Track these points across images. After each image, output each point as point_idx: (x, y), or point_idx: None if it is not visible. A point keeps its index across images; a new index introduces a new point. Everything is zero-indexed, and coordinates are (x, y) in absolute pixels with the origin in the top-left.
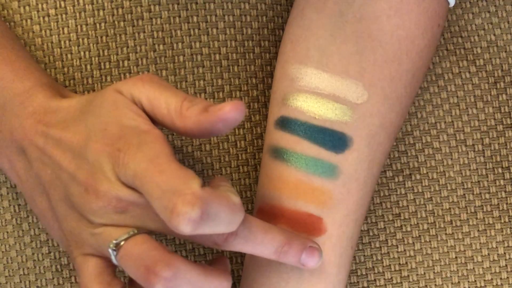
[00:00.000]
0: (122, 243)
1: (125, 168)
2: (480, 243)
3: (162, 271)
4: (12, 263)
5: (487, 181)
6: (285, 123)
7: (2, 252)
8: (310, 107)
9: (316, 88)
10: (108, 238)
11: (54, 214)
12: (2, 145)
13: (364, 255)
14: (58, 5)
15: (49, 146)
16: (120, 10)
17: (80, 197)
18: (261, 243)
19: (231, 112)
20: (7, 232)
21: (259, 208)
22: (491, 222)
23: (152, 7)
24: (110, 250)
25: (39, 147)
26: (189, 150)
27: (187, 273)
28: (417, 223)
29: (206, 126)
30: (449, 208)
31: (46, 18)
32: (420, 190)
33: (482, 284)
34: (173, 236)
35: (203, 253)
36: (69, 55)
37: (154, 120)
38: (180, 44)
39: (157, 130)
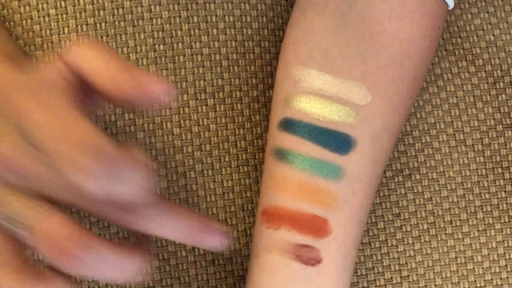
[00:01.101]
0: (32, 222)
1: (23, 119)
2: (480, 243)
3: (77, 251)
4: None
5: (487, 181)
6: (289, 125)
7: None
8: (314, 108)
9: (320, 89)
10: (16, 217)
11: None
12: None
13: (364, 255)
14: (58, 5)
15: None
16: (120, 10)
17: None
18: (166, 224)
19: (153, 85)
20: None
21: (263, 210)
22: (491, 222)
23: (152, 7)
24: (16, 229)
25: None
26: (189, 150)
27: (102, 252)
28: (417, 223)
29: (127, 93)
30: (449, 208)
31: (47, 18)
32: (420, 190)
33: (482, 284)
34: (95, 215)
35: (203, 253)
36: None
37: (88, 85)
38: (180, 44)
39: (72, 90)
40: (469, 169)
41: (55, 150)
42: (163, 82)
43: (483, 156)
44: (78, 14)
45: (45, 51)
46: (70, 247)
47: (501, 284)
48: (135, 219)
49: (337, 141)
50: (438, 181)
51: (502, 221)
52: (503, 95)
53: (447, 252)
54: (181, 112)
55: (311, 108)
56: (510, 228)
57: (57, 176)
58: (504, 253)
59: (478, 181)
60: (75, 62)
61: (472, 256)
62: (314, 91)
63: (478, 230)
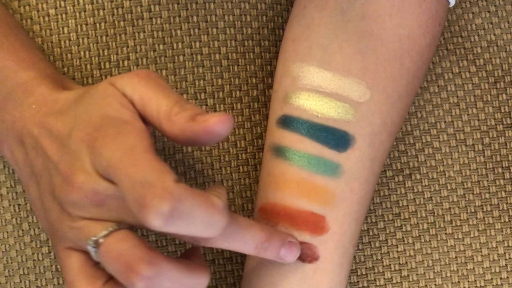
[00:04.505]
0: (101, 240)
1: (100, 157)
2: (480, 242)
3: (143, 270)
4: (12, 263)
5: (487, 180)
6: (287, 122)
7: (2, 252)
8: (312, 105)
9: (319, 86)
10: (87, 234)
11: (42, 205)
12: (4, 135)
13: (364, 255)
14: (58, 5)
15: (41, 136)
16: (120, 9)
17: (60, 188)
18: (241, 240)
19: (216, 125)
20: (7, 232)
21: (261, 207)
22: (491, 222)
23: (152, 6)
24: (89, 247)
25: (33, 136)
26: (189, 150)
27: (169, 271)
28: (417, 223)
29: (190, 135)
30: (449, 208)
31: (46, 18)
32: (420, 190)
33: (482, 284)
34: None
35: (203, 253)
36: (69, 55)
37: (144, 120)
38: (180, 43)
39: (139, 123)
40: (469, 169)
41: (126, 189)
42: (223, 116)
43: (484, 156)
44: (77, 14)
45: (44, 51)
46: (138, 265)
47: (501, 284)
48: (204, 240)
49: (335, 138)
50: (438, 180)
51: (502, 220)
52: (504, 95)
53: (447, 251)
54: None
55: (310, 105)
56: (510, 228)
57: (126, 207)
58: (504, 252)
59: (478, 181)
60: (126, 92)
61: (472, 255)
62: (313, 87)
63: (478, 230)
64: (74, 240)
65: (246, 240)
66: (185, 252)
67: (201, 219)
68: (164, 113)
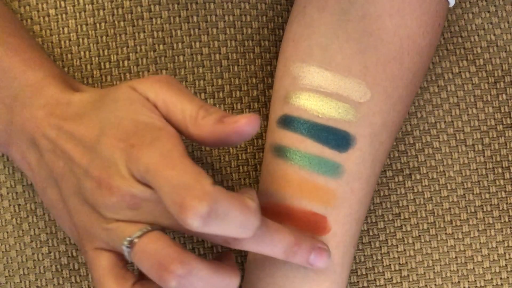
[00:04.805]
0: (135, 240)
1: (137, 163)
2: (480, 242)
3: (176, 269)
4: (12, 263)
5: (487, 180)
6: (288, 122)
7: (2, 252)
8: (313, 105)
9: (319, 86)
10: (122, 235)
11: (66, 207)
12: (13, 137)
13: (364, 255)
14: (58, 5)
15: (61, 140)
16: (120, 10)
17: (93, 192)
18: (271, 243)
19: (246, 125)
20: (7, 232)
21: (262, 207)
22: (491, 222)
23: (152, 7)
24: (123, 247)
25: (51, 139)
26: (189, 150)
27: (200, 271)
28: (417, 223)
29: (220, 136)
30: (449, 208)
31: (46, 18)
32: (420, 190)
33: (482, 284)
34: (184, 236)
35: (203, 253)
36: (69, 55)
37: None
38: (180, 44)
39: (171, 128)
40: (469, 169)
41: (165, 192)
42: (251, 117)
43: (483, 156)
44: (77, 14)
45: (47, 51)
46: (171, 264)
47: (501, 284)
48: (235, 242)
49: (336, 138)
50: (438, 180)
51: (502, 221)
52: (504, 95)
53: (447, 252)
54: None
55: (311, 105)
56: (510, 228)
57: (164, 211)
58: (504, 253)
59: (478, 181)
60: (149, 97)
61: (472, 256)
62: (314, 87)
63: (478, 230)
64: (107, 240)
65: (275, 243)
66: (218, 255)
67: (236, 220)
68: (190, 118)
